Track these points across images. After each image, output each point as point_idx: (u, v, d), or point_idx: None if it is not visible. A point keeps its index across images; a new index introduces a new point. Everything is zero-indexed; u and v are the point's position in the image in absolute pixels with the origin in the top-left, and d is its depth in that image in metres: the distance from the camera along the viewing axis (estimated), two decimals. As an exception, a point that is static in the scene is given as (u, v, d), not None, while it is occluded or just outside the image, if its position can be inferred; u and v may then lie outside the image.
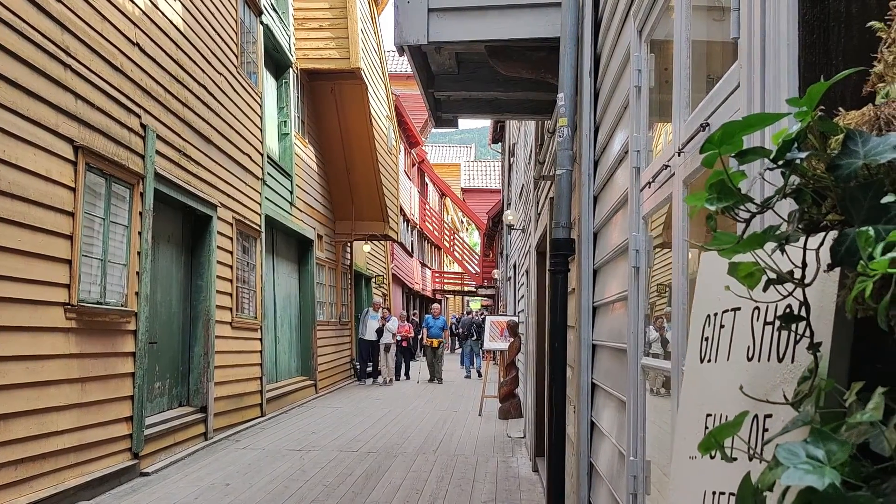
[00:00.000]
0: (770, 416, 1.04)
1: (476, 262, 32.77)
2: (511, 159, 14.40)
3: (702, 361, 1.25)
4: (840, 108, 0.90)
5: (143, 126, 7.37)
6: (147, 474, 7.14)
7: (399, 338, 17.84)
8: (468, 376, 19.74)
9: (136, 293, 7.20)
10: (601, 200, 3.63)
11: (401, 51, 4.74)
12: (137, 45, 7.28)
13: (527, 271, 9.52)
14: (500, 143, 19.60)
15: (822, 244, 0.85)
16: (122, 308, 6.92)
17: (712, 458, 1.17)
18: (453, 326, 25.28)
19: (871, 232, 0.69)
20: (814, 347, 0.90)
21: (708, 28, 1.94)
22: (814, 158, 0.86)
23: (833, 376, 0.92)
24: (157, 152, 7.66)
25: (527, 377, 9.30)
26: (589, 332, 3.74)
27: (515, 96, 5.73)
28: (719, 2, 1.77)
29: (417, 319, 21.83)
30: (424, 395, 15.16)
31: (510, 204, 14.47)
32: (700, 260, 1.34)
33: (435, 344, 17.42)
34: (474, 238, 43.65)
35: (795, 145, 0.85)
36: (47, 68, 5.80)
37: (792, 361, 1.02)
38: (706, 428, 1.20)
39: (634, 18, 2.64)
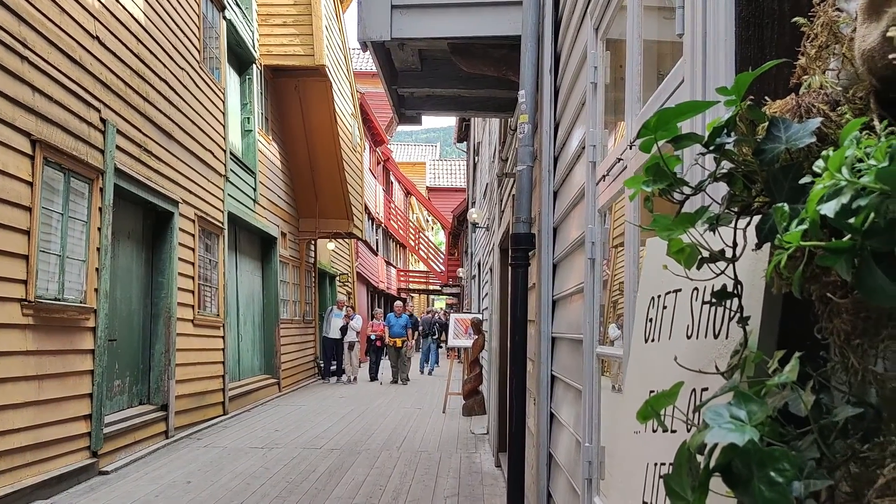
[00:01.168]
0: (706, 389, 1.10)
1: (441, 260, 32.84)
2: (476, 158, 14.48)
3: (646, 341, 1.31)
4: (767, 98, 0.96)
5: (103, 120, 7.28)
6: (106, 473, 7.06)
7: (373, 336, 17.67)
8: (430, 372, 19.92)
9: (96, 290, 7.10)
10: (561, 196, 3.70)
11: (364, 47, 4.77)
12: (97, 38, 7.18)
13: (490, 269, 9.60)
14: (465, 142, 19.67)
15: (749, 224, 0.92)
16: (81, 305, 6.82)
17: (654, 431, 1.24)
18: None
19: (786, 208, 0.75)
20: (743, 321, 0.97)
21: (658, 26, 2.02)
22: (743, 144, 0.93)
23: (762, 349, 0.98)
24: (118, 147, 7.56)
25: (490, 374, 9.37)
26: (549, 325, 3.81)
27: (478, 93, 5.79)
28: (669, 1, 1.84)
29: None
30: (388, 393, 15.17)
31: (475, 202, 14.56)
32: (645, 246, 1.40)
33: (399, 343, 17.00)
34: (439, 237, 43.72)
35: (725, 131, 0.91)
36: (3, 60, 5.70)
37: (726, 337, 1.08)
38: (649, 404, 1.27)
39: (591, 17, 2.71)
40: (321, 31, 13.78)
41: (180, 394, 9.19)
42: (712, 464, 0.79)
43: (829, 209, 0.66)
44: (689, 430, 1.10)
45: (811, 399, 0.79)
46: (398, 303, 18.18)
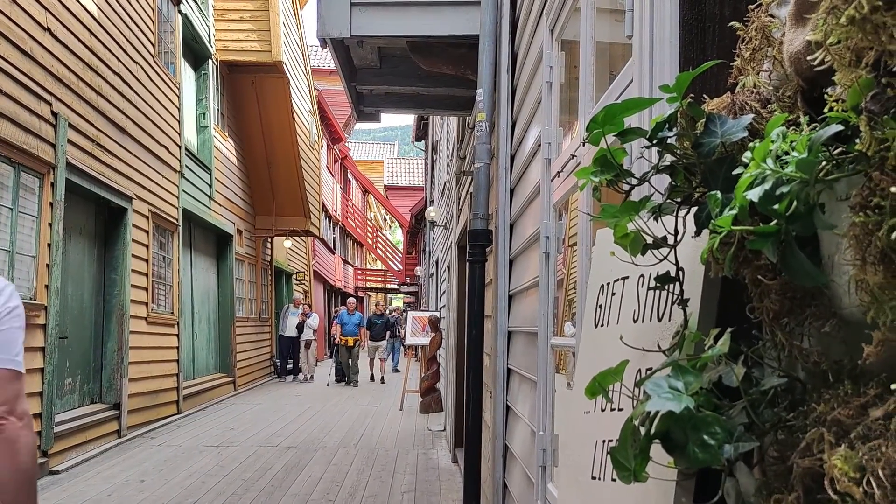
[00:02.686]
0: (651, 368, 1.18)
1: (399, 259, 32.80)
2: (434, 157, 14.55)
3: (596, 326, 1.39)
4: (706, 96, 1.04)
5: (55, 114, 7.14)
6: (56, 472, 6.92)
7: (336, 336, 17.44)
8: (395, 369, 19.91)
9: (46, 286, 6.96)
10: (517, 193, 3.77)
11: (323, 44, 4.78)
12: (49, 30, 7.04)
13: (448, 267, 9.67)
14: (423, 141, 19.72)
15: (688, 212, 0.99)
16: (31, 301, 6.68)
17: (602, 410, 1.31)
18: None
19: (719, 195, 0.82)
20: (683, 303, 1.04)
21: (610, 28, 2.10)
22: (683, 138, 1.00)
23: (701, 329, 1.05)
24: (69, 141, 7.42)
25: (448, 371, 9.44)
26: (505, 320, 3.88)
27: (437, 92, 5.84)
28: (620, 4, 1.92)
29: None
30: (345, 391, 15.13)
31: (433, 201, 14.62)
32: (596, 236, 1.47)
33: (350, 342, 16.36)
34: (397, 235, 43.66)
35: (667, 126, 0.98)
36: (-49, 50, 5.57)
37: (669, 319, 1.15)
38: (599, 385, 1.34)
39: (547, 18, 2.79)
40: (278, 27, 13.68)
41: (133, 392, 9.05)
42: (653, 431, 0.85)
43: (754, 195, 0.73)
44: (634, 408, 1.17)
45: (742, 371, 0.87)
46: (351, 300, 17.68)
